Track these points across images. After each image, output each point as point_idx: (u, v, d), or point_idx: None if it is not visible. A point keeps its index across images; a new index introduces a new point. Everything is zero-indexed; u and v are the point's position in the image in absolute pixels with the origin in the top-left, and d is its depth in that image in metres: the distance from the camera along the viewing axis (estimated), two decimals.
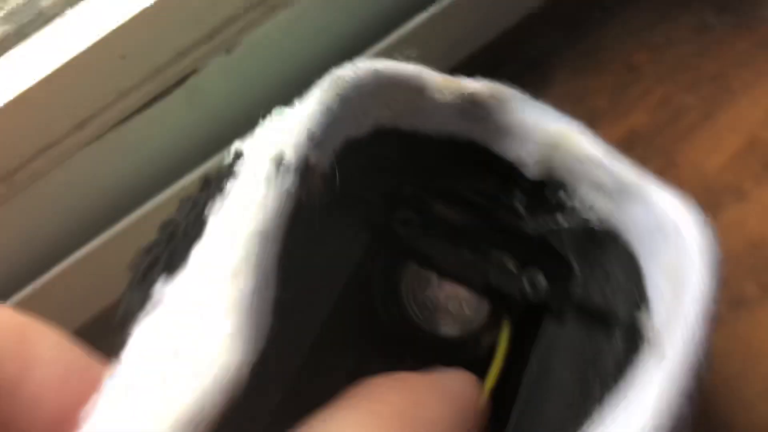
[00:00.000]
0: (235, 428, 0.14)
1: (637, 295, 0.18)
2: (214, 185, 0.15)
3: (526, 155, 0.19)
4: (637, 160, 0.27)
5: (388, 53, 0.24)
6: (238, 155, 0.15)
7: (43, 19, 0.21)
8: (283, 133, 0.15)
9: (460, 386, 0.16)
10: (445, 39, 0.27)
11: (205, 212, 0.14)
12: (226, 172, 0.15)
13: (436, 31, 0.26)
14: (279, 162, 0.15)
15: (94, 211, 0.23)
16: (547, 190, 0.19)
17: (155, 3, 0.20)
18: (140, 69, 0.21)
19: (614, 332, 0.18)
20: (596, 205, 0.19)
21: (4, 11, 0.21)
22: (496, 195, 0.20)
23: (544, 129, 0.18)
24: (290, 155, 0.15)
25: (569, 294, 0.19)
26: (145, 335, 0.13)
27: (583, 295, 0.19)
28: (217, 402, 0.12)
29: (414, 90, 0.18)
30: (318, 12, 0.23)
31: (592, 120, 0.27)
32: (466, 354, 0.21)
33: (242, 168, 0.15)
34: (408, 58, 0.18)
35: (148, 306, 0.13)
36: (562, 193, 0.19)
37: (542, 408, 0.17)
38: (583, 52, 0.28)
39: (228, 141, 0.16)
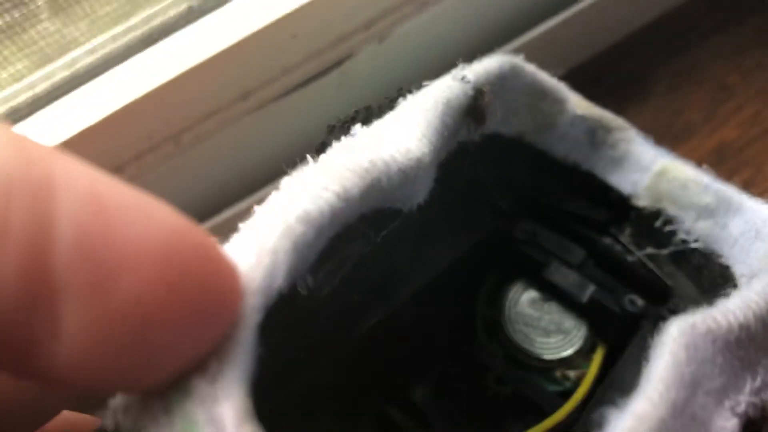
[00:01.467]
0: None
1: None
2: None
3: (638, 185, 0.21)
4: (727, 169, 0.29)
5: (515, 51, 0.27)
6: (402, 94, 0.18)
7: None
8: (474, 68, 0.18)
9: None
10: (555, 50, 0.29)
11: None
12: (389, 105, 0.18)
13: (549, 42, 0.29)
14: (460, 77, 0.18)
15: (243, 177, 0.25)
16: (652, 221, 0.21)
17: None
18: (306, 49, 0.24)
19: None
20: (697, 229, 0.20)
21: None
22: (608, 223, 0.21)
23: (656, 159, 0.20)
24: (469, 76, 0.18)
25: (664, 311, 0.20)
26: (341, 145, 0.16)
27: (678, 310, 0.20)
28: (394, 172, 0.15)
29: (556, 101, 0.20)
30: (459, 13, 0.26)
31: (687, 131, 0.29)
32: (552, 385, 0.22)
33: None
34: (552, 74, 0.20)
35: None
36: (666, 222, 0.20)
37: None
38: (679, 70, 0.30)
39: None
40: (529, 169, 0.21)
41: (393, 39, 0.25)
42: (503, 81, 0.19)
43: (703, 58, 0.30)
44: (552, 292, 0.22)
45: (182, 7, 0.23)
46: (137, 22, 0.23)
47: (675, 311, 0.20)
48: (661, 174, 0.20)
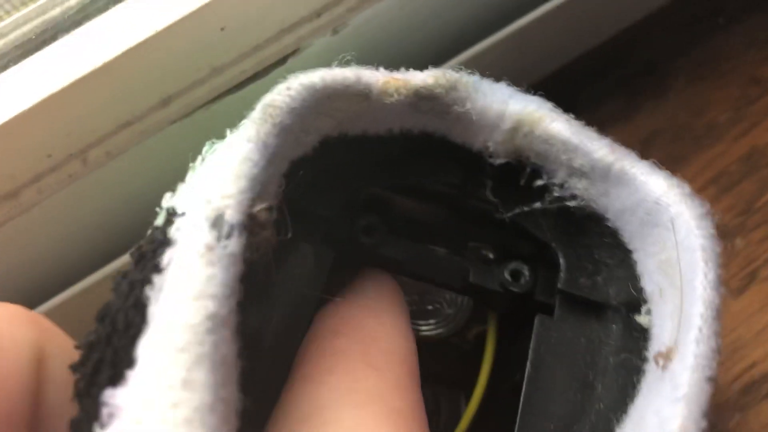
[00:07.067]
0: None
1: (631, 286, 0.17)
2: (149, 258, 0.13)
3: (489, 141, 0.18)
4: (759, 180, 0.25)
5: (505, 41, 0.23)
6: (172, 214, 0.14)
7: None
8: (218, 187, 0.13)
9: (382, 289, 0.18)
10: (555, 37, 0.25)
11: (144, 295, 0.13)
12: (161, 240, 0.13)
13: (548, 28, 0.24)
14: (219, 225, 0.13)
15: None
16: (516, 173, 0.18)
17: None
18: (239, 44, 0.19)
19: (608, 322, 0.17)
20: (573, 186, 0.17)
21: None
22: (464, 184, 0.19)
23: (504, 112, 0.17)
24: (230, 214, 0.13)
25: (555, 283, 0.18)
26: None
27: (570, 282, 0.18)
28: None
29: (358, 96, 0.17)
30: None
31: (712, 134, 0.25)
32: (451, 352, 0.21)
33: (178, 235, 0.13)
34: (344, 62, 0.17)
35: (104, 416, 0.12)
36: (533, 175, 0.18)
37: (544, 407, 0.16)
38: (702, 60, 0.26)
39: None
40: (352, 157, 0.18)
41: (350, 30, 0.21)
42: (290, 121, 0.15)
43: (730, 46, 0.26)
44: (424, 280, 0.19)
45: None
46: (28, 13, 0.19)
47: (567, 290, 0.18)
48: (516, 129, 0.17)
